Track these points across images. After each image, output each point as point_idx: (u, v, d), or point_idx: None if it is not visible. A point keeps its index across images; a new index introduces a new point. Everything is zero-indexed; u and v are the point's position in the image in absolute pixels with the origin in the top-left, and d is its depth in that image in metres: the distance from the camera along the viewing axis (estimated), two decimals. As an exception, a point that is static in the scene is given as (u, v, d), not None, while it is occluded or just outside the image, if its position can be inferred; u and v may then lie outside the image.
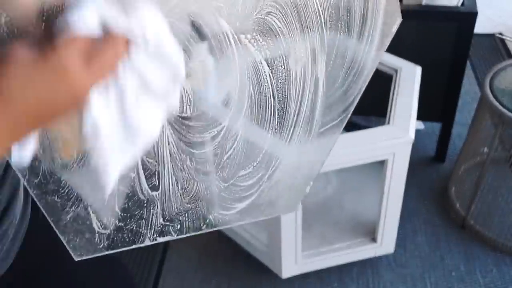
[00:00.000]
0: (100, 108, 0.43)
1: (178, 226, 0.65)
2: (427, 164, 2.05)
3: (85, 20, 0.41)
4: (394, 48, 1.68)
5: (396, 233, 1.59)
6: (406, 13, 1.96)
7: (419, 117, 1.63)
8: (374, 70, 0.65)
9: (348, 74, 0.64)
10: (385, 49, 0.64)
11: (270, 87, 0.60)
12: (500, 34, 2.80)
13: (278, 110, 0.62)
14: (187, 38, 0.54)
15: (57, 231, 0.59)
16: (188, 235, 0.66)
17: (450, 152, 2.07)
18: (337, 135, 0.67)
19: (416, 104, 1.47)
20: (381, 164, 1.42)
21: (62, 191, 0.58)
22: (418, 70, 1.60)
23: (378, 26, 0.63)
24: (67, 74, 0.40)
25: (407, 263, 1.69)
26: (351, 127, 2.06)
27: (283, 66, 0.59)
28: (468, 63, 2.43)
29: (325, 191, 1.77)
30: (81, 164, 0.56)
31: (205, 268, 1.70)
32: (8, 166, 0.64)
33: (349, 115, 0.67)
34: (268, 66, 0.58)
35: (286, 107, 0.62)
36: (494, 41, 2.75)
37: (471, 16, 1.71)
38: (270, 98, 0.60)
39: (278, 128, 0.63)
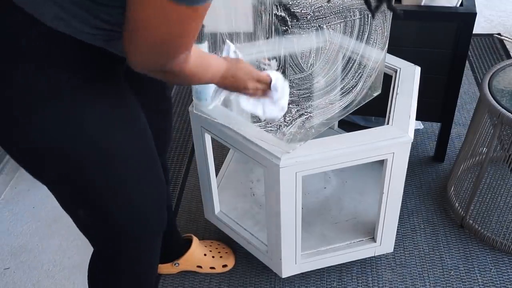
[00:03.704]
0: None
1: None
2: (427, 164, 2.05)
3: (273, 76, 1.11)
4: (394, 48, 1.69)
5: (396, 233, 1.59)
6: (406, 13, 1.99)
7: (419, 117, 1.63)
8: None
9: None
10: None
11: None
12: (499, 34, 2.81)
13: None
14: None
15: None
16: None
17: (449, 152, 2.08)
18: None
19: (416, 104, 1.48)
20: (381, 163, 1.43)
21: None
22: (417, 70, 1.61)
23: None
24: (246, 81, 1.08)
25: (406, 262, 1.69)
26: (351, 127, 2.07)
27: None
28: (467, 63, 2.44)
29: (325, 190, 1.78)
30: None
31: (205, 268, 1.71)
32: None
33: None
34: None
35: None
36: (493, 41, 2.76)
37: (470, 16, 1.71)
38: None
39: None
